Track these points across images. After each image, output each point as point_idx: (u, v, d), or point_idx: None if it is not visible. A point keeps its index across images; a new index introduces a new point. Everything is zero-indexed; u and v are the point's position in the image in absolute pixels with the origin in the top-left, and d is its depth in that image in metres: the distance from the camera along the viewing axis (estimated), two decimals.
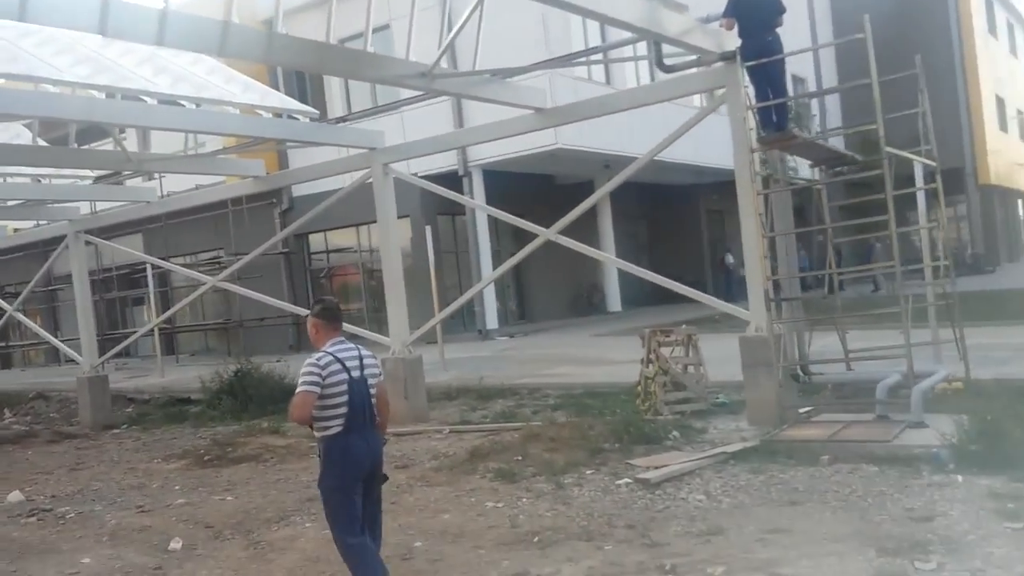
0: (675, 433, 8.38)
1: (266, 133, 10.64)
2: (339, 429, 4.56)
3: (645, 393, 9.97)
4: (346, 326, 13.57)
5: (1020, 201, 45.53)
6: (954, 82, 34.06)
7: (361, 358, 4.70)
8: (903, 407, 7.93)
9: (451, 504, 6.77)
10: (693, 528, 5.56)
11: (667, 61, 8.65)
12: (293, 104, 11.40)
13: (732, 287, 29.55)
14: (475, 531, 5.98)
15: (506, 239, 23.82)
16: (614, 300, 25.85)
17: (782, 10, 8.51)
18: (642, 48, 11.90)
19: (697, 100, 25.02)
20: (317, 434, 4.67)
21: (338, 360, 4.59)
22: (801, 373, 9.27)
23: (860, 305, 14.30)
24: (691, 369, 10.20)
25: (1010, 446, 6.19)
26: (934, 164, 9.23)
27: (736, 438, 8.08)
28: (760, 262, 8.48)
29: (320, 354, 4.63)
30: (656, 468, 7.05)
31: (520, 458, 7.86)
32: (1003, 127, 40.14)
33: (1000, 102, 39.64)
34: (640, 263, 28.94)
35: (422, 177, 15.33)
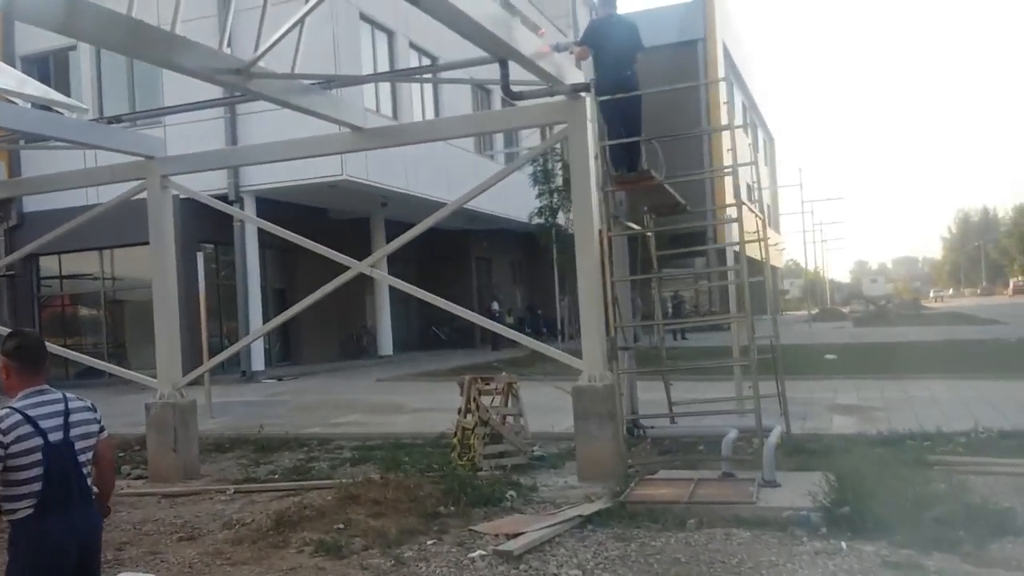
0: (511, 492, 7.53)
1: (26, 127, 8.66)
2: (30, 511, 3.38)
3: (462, 446, 9.09)
4: (101, 364, 11.49)
5: None
6: (700, 151, 36.82)
7: (67, 413, 3.50)
8: (743, 464, 7.67)
9: None
10: None
11: (514, 88, 7.94)
12: (57, 96, 9.46)
13: (499, 335, 29.53)
14: None
15: (273, 274, 22.14)
16: (385, 344, 24.77)
17: (641, 46, 8.16)
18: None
19: (471, 143, 24.97)
20: (4, 517, 3.43)
21: (28, 419, 3.39)
22: (635, 427, 8.81)
23: (681, 356, 14.33)
24: (510, 420, 9.48)
25: (877, 507, 5.98)
26: (762, 217, 9.24)
27: (574, 496, 7.40)
28: (607, 307, 7.94)
29: (4, 412, 3.40)
30: (509, 536, 6.16)
31: (342, 526, 6.63)
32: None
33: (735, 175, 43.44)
34: (409, 307, 28.38)
35: (186, 199, 13.62)
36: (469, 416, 9.14)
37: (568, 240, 24.33)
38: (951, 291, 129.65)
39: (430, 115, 22.33)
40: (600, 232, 8.00)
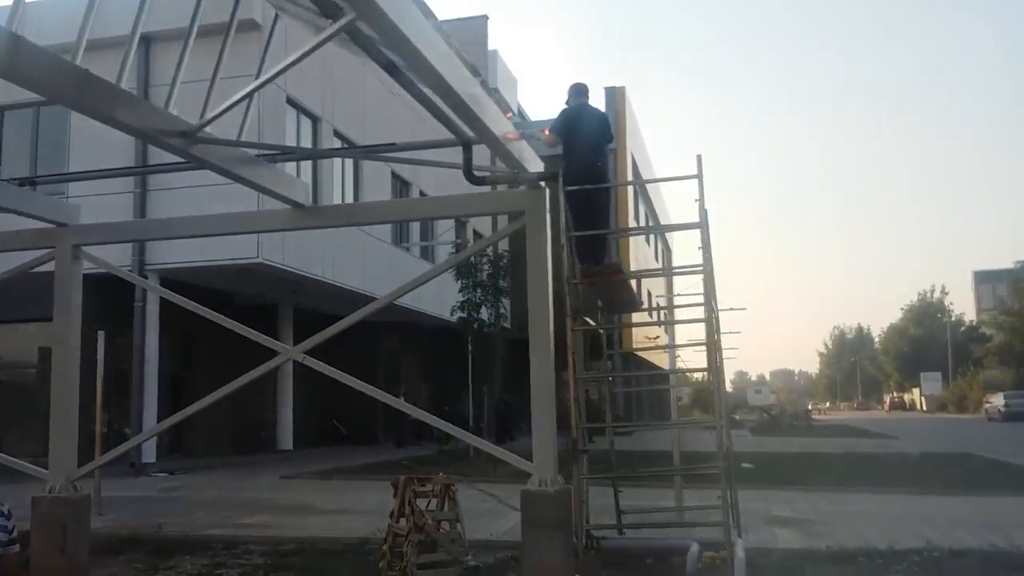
0: None
1: None
2: None
3: (393, 554, 8.33)
4: None
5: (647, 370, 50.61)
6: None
7: None
8: None
9: None
10: None
11: (477, 172, 7.56)
12: None
13: (404, 430, 28.56)
14: None
15: (170, 360, 20.78)
16: (286, 437, 23.48)
17: (611, 138, 7.98)
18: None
19: (388, 234, 24.53)
20: None
21: None
22: (588, 538, 8.26)
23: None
24: (445, 526, 8.78)
25: None
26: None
27: None
28: (570, 406, 7.47)
29: None
30: None
31: None
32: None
33: (639, 282, 44.34)
34: (314, 399, 27.18)
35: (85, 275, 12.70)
36: (403, 520, 8.42)
37: (485, 336, 24.01)
38: (828, 404, 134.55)
39: (349, 200, 21.86)
40: (564, 326, 7.60)
